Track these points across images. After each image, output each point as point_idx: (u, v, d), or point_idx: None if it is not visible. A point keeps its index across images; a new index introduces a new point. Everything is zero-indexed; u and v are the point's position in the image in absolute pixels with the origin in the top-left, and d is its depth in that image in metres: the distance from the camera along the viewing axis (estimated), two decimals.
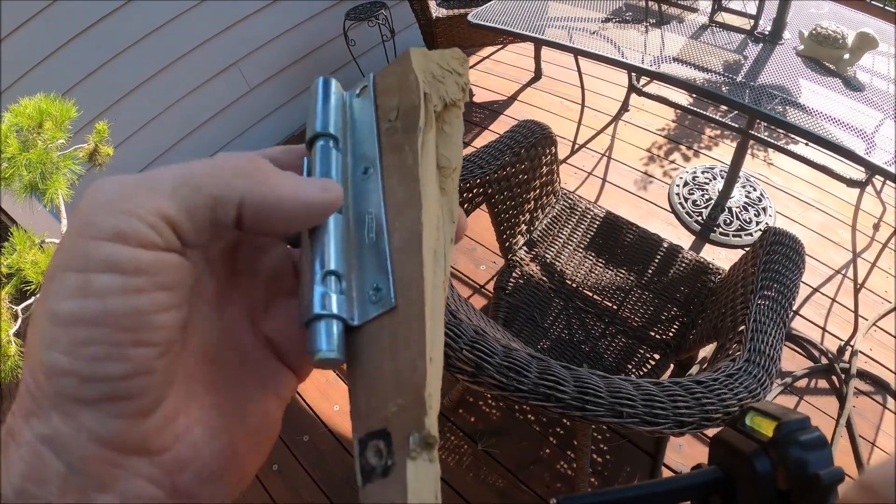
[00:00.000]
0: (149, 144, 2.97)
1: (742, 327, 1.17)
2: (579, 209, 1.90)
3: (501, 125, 3.43)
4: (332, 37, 3.55)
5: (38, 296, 0.17)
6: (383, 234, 0.26)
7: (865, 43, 1.72)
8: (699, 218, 2.63)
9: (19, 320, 2.02)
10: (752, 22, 2.00)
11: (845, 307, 2.26)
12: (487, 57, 4.08)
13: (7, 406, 2.60)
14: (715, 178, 2.81)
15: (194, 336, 0.25)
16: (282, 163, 0.29)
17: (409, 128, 0.28)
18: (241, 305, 0.29)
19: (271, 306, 0.29)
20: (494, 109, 3.59)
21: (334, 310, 0.25)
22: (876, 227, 2.56)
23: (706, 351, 1.81)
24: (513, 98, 3.67)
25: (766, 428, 0.39)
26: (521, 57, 3.97)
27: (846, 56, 1.77)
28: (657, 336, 1.59)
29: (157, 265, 0.22)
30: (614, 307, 1.67)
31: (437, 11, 3.25)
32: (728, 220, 2.59)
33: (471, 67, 3.98)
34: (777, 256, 1.31)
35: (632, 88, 2.67)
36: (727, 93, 1.72)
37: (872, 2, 3.74)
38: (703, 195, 2.73)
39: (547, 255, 1.78)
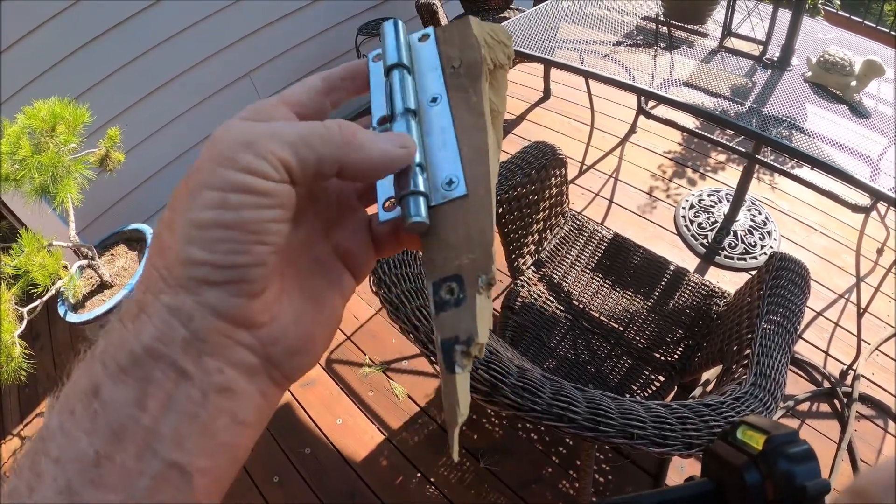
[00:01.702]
0: (159, 151, 2.99)
1: (748, 351, 1.18)
2: (587, 231, 1.92)
3: (510, 144, 3.44)
4: (345, 51, 3.59)
5: (170, 207, 0.23)
6: (454, 144, 0.34)
7: (872, 70, 1.74)
8: (704, 241, 2.64)
9: (24, 322, 2.03)
10: (760, 48, 2.02)
11: (848, 331, 2.27)
12: None
13: (6, 405, 2.61)
14: (721, 202, 2.82)
15: (284, 256, 0.32)
16: (357, 83, 0.39)
17: (474, 76, 0.35)
18: (316, 221, 0.36)
19: (340, 221, 0.37)
20: (503, 128, 3.58)
21: (421, 188, 0.32)
22: (880, 251, 2.57)
23: (710, 374, 1.82)
24: (521, 117, 3.69)
25: (757, 441, 0.40)
26: (531, 76, 4.00)
27: (853, 83, 1.78)
28: (662, 358, 1.60)
29: (275, 191, 0.28)
30: (620, 328, 1.68)
31: None
32: (733, 244, 2.60)
33: None
34: (783, 281, 1.32)
35: (640, 111, 2.69)
36: (735, 118, 1.74)
37: (879, 27, 3.78)
38: (708, 218, 2.74)
39: (554, 276, 1.80)
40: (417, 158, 0.33)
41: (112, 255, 2.56)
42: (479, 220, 0.31)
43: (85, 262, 2.31)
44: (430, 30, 0.39)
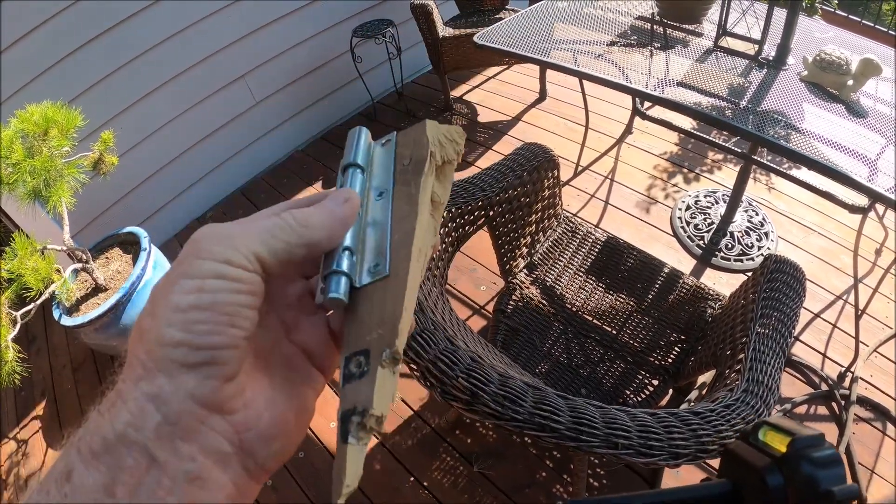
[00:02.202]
0: (154, 154, 2.98)
1: (741, 356, 1.17)
2: (581, 233, 1.90)
3: (505, 145, 3.44)
4: (339, 53, 3.58)
5: (151, 299, 0.31)
6: (387, 233, 0.36)
7: (869, 69, 1.72)
8: (701, 242, 2.63)
9: (17, 326, 2.02)
10: (756, 47, 2.00)
11: (846, 333, 2.25)
12: (492, 77, 4.10)
13: (2, 409, 2.60)
14: (717, 203, 2.81)
15: (259, 353, 0.35)
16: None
17: (417, 171, 0.38)
18: (278, 324, 0.38)
19: (299, 324, 0.39)
20: (498, 129, 3.60)
21: (343, 268, 0.35)
22: (878, 252, 2.56)
23: (706, 377, 1.80)
24: (517, 118, 3.68)
25: (779, 443, 0.39)
26: (526, 77, 3.99)
27: (850, 82, 1.77)
28: (656, 362, 1.58)
29: (248, 279, 0.31)
30: (614, 332, 1.66)
31: (443, 31, 3.27)
32: (730, 245, 2.59)
33: (475, 87, 4.00)
34: (778, 284, 1.30)
35: (636, 111, 2.68)
36: (731, 118, 1.72)
37: (876, 26, 3.77)
38: (705, 219, 2.73)
39: (547, 279, 1.78)
40: (347, 242, 0.36)
41: (107, 258, 2.55)
42: (395, 299, 0.33)
43: (79, 265, 2.30)
44: (392, 135, 0.43)
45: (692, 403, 1.99)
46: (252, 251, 0.31)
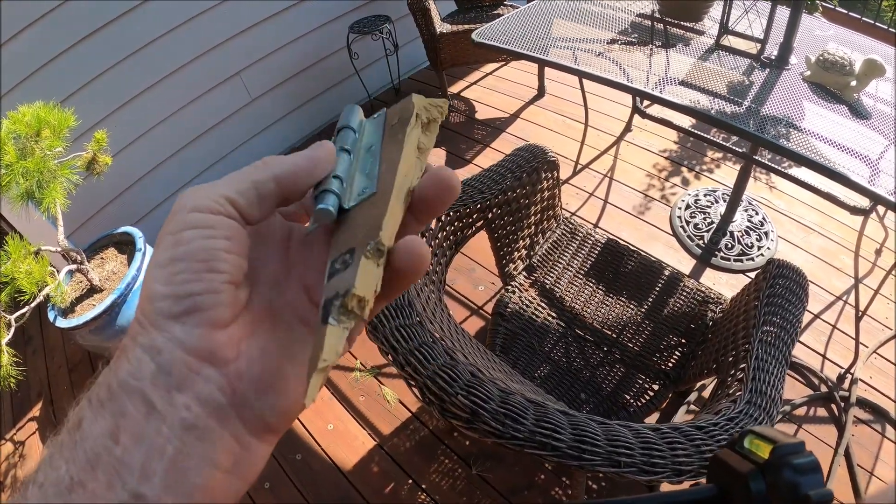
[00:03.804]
0: (149, 152, 2.96)
1: (743, 364, 1.16)
2: (580, 234, 1.88)
3: (503, 143, 3.42)
4: (336, 49, 3.56)
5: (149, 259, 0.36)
6: (375, 169, 0.37)
7: (873, 70, 1.71)
8: (701, 242, 2.61)
9: (12, 329, 2.01)
10: (758, 46, 1.98)
11: (846, 334, 2.24)
12: (490, 73, 4.08)
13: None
14: (717, 202, 2.79)
15: (256, 301, 0.35)
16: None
17: (404, 123, 0.39)
18: (298, 286, 0.37)
19: (298, 262, 0.38)
20: (496, 127, 3.58)
21: (333, 188, 0.36)
22: (878, 252, 2.54)
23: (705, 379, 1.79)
24: (515, 116, 3.66)
25: (763, 450, 0.41)
26: (525, 74, 3.97)
27: (853, 83, 1.75)
28: (656, 366, 1.57)
29: (221, 223, 0.32)
30: (614, 335, 1.65)
31: (441, 27, 3.24)
32: (730, 245, 2.57)
33: (473, 84, 3.98)
34: (780, 290, 1.29)
35: (635, 110, 2.66)
36: (732, 118, 1.70)
37: (876, 23, 3.75)
38: (704, 219, 2.71)
39: (546, 281, 1.76)
40: (337, 171, 0.37)
41: (102, 258, 2.53)
42: (379, 208, 0.33)
43: (74, 266, 2.28)
44: (382, 111, 0.42)
45: (691, 405, 1.99)
46: (221, 195, 0.32)
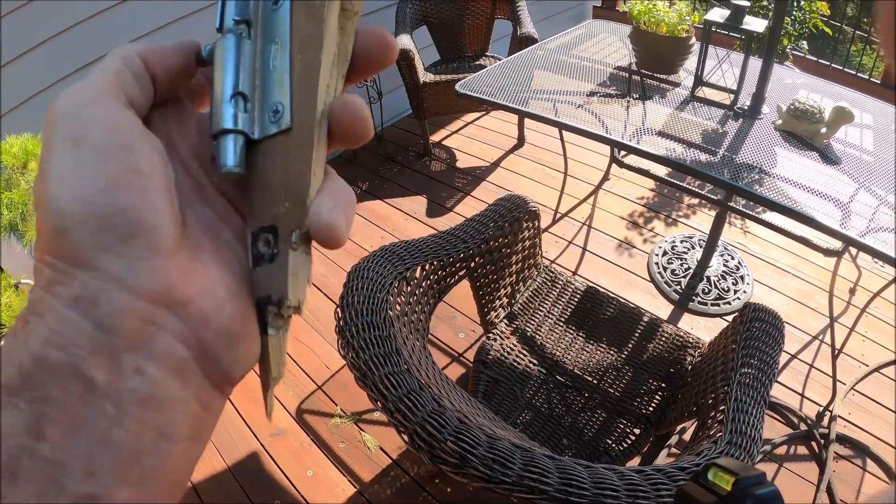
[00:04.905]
0: None
1: (723, 406, 1.18)
2: (560, 282, 1.91)
3: (484, 192, 3.47)
4: None
5: (34, 185, 0.22)
6: (286, 63, 0.29)
7: (842, 117, 1.78)
8: (678, 287, 2.65)
9: None
10: (731, 97, 2.05)
11: (823, 372, 2.28)
12: (471, 122, 4.15)
13: None
14: (693, 248, 2.85)
15: (192, 222, 0.28)
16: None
17: None
18: (214, 190, 0.30)
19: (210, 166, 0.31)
20: (477, 175, 3.63)
21: (239, 126, 0.28)
22: (852, 291, 2.60)
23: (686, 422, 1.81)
24: (496, 164, 3.72)
25: (726, 482, 0.42)
26: (505, 123, 4.04)
27: (823, 130, 1.82)
28: (637, 410, 1.59)
29: (123, 113, 0.26)
30: (595, 381, 1.67)
31: (424, 76, 3.31)
32: (706, 290, 2.61)
33: (454, 133, 4.04)
34: (756, 332, 1.32)
35: (613, 159, 2.72)
36: (707, 167, 1.75)
37: (846, 69, 3.88)
38: (681, 264, 2.76)
39: (527, 329, 1.79)
40: (233, 82, 0.29)
41: None
42: (298, 161, 0.28)
43: None
44: None
45: (672, 448, 2.00)
46: (103, 84, 0.26)
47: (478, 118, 4.18)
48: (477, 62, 3.69)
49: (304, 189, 0.27)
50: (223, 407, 0.28)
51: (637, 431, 1.54)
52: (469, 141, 3.97)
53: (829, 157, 1.80)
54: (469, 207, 3.34)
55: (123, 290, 0.22)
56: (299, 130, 0.28)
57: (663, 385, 1.63)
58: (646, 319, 1.80)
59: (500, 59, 3.55)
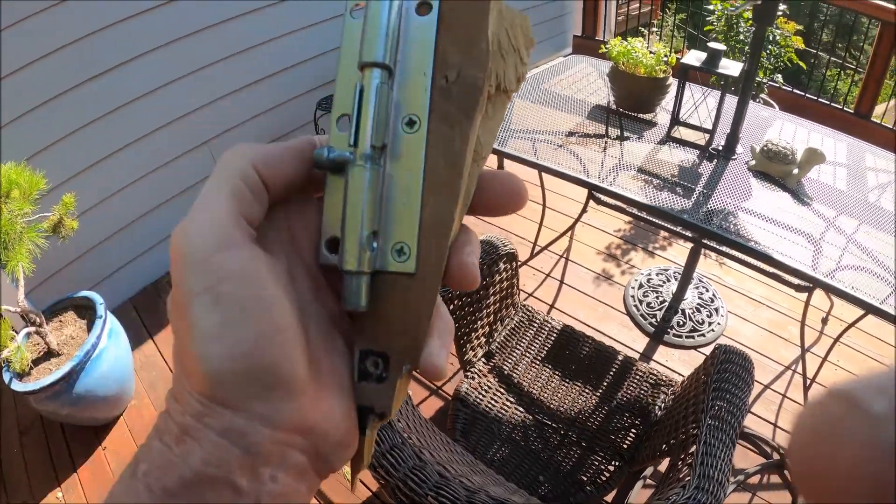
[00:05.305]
0: (111, 217, 2.93)
1: (693, 448, 1.21)
2: (537, 321, 1.96)
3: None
4: (302, 124, 3.62)
5: (173, 322, 0.27)
6: (417, 200, 0.29)
7: (814, 158, 1.83)
8: (654, 320, 2.70)
9: None
10: (706, 137, 2.10)
11: (796, 402, 2.34)
12: None
13: None
14: (669, 280, 2.90)
15: (312, 330, 0.30)
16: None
17: (467, 109, 0.29)
18: (329, 294, 0.33)
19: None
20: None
21: (366, 268, 0.29)
22: (824, 321, 2.66)
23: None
24: None
25: None
26: None
27: (795, 171, 1.87)
28: (612, 447, 1.62)
29: (254, 256, 0.27)
30: (570, 418, 1.70)
31: None
32: (681, 322, 2.67)
33: None
34: (727, 375, 1.36)
35: (591, 195, 2.76)
36: (680, 210, 1.80)
37: (820, 98, 3.96)
38: (657, 297, 2.81)
39: (504, 367, 1.82)
40: (367, 219, 0.29)
41: (60, 321, 2.50)
42: (420, 306, 0.29)
43: (32, 328, 2.26)
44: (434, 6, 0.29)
45: (647, 479, 2.03)
46: (229, 212, 0.27)
47: None
48: None
49: (422, 333, 0.29)
50: (319, 485, 0.32)
51: (612, 468, 1.58)
52: None
53: (800, 198, 1.85)
54: None
55: (266, 425, 0.26)
56: (423, 277, 0.29)
57: (637, 422, 1.67)
58: (620, 358, 1.84)
59: None
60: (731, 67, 1.93)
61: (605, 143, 2.16)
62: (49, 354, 2.36)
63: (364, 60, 0.29)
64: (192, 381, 0.27)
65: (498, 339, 1.88)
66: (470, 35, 0.28)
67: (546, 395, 1.76)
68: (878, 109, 4.16)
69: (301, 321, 0.29)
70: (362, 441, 0.32)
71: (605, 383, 1.78)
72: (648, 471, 2.06)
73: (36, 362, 2.33)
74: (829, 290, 1.58)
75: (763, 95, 3.71)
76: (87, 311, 2.54)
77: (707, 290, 2.82)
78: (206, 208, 0.27)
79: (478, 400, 1.72)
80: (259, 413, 0.26)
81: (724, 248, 2.53)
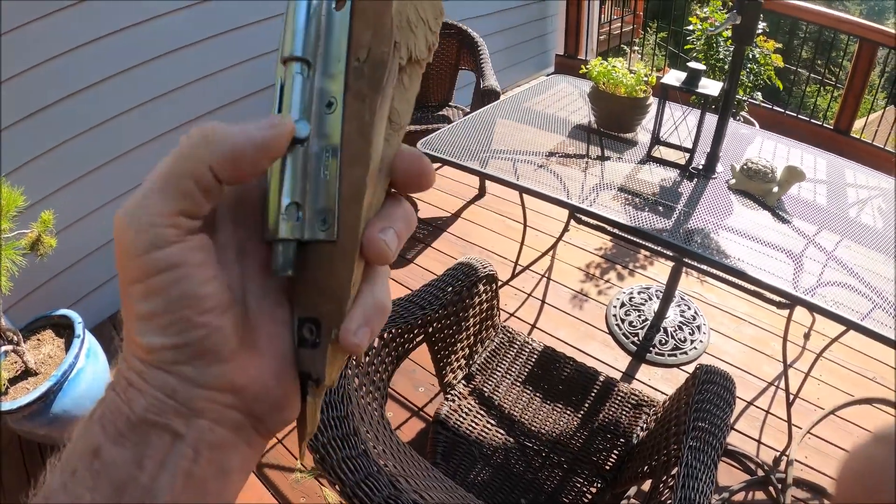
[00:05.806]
0: (89, 235, 2.90)
1: (675, 471, 1.20)
2: (518, 343, 1.95)
3: (444, 243, 3.48)
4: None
5: (121, 296, 0.31)
6: (336, 171, 0.32)
7: (793, 176, 1.84)
8: (636, 339, 2.70)
9: None
10: (687, 156, 2.10)
11: (779, 418, 2.33)
12: None
13: None
14: (651, 299, 2.91)
15: (253, 306, 0.33)
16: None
17: (374, 83, 0.31)
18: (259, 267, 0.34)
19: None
20: (438, 226, 3.65)
21: (293, 235, 0.32)
22: (807, 336, 2.67)
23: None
24: (456, 215, 3.75)
25: None
26: (466, 174, 4.07)
27: (775, 189, 1.88)
28: (594, 469, 1.61)
29: (186, 251, 0.29)
30: (552, 439, 1.69)
31: None
32: (663, 340, 2.66)
33: None
34: (708, 395, 1.35)
35: (572, 215, 2.76)
36: (660, 230, 1.79)
37: (800, 115, 4.00)
38: (639, 316, 2.81)
39: (485, 389, 1.81)
40: (290, 191, 0.32)
41: (38, 339, 2.47)
42: (341, 272, 0.32)
43: (9, 346, 2.23)
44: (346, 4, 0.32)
45: (631, 499, 2.02)
46: (168, 212, 0.29)
47: (439, 167, 4.19)
48: (440, 112, 3.73)
49: (344, 298, 0.32)
50: (265, 445, 0.36)
51: (594, 490, 1.57)
52: (430, 191, 3.95)
53: (780, 216, 1.86)
54: (429, 259, 3.35)
55: (195, 386, 0.30)
56: (343, 245, 0.32)
57: (620, 442, 1.66)
58: (602, 379, 1.83)
59: (463, 109, 3.59)
60: (710, 87, 1.94)
61: (587, 162, 2.16)
62: (27, 373, 2.32)
63: (284, 56, 0.32)
64: (133, 348, 0.30)
65: (478, 361, 1.87)
66: (377, 17, 0.31)
67: (527, 416, 1.75)
68: (858, 124, 4.21)
69: (238, 297, 0.32)
70: (304, 406, 0.34)
71: (586, 405, 1.77)
72: (632, 491, 2.05)
73: (13, 381, 2.30)
74: (810, 307, 1.58)
75: (743, 113, 3.74)
76: (65, 330, 2.51)
77: (689, 308, 2.83)
78: (146, 209, 0.29)
79: (458, 423, 1.71)
80: (188, 376, 0.30)
81: (705, 267, 2.55)
